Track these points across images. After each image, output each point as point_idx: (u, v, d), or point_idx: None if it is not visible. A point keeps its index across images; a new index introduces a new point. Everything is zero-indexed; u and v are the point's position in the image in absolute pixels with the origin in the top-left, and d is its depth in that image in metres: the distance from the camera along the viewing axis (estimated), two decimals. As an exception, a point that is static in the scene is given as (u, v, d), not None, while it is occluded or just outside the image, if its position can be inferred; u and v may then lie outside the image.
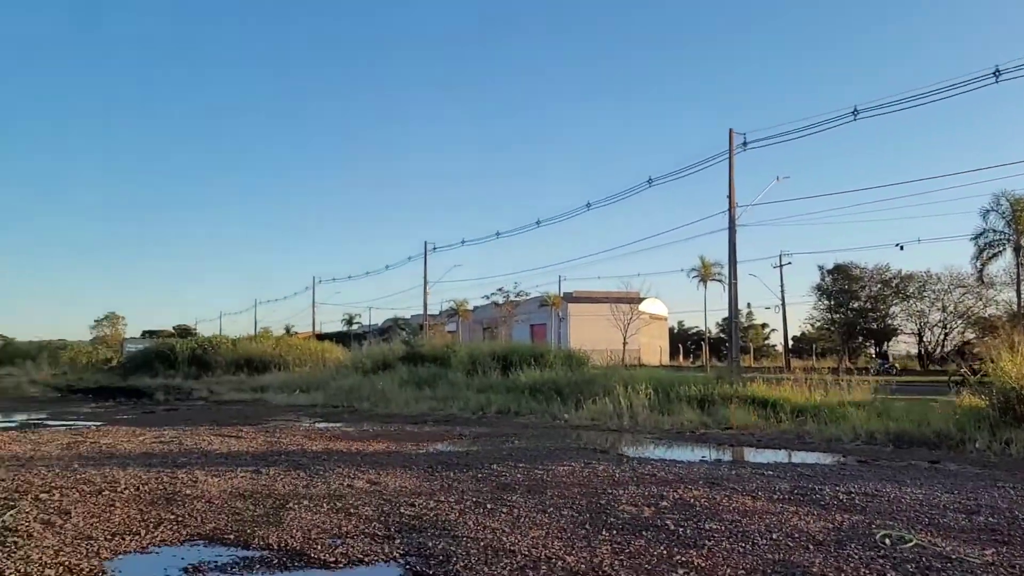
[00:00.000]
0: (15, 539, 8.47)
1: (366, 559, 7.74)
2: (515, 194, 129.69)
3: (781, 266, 65.14)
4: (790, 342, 69.58)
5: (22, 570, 7.29)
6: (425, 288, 51.96)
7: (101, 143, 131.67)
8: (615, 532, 8.66)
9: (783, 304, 66.20)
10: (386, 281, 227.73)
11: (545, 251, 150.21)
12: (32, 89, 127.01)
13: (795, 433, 18.55)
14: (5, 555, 7.79)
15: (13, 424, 23.86)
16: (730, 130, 34.59)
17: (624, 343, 50.94)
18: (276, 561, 7.75)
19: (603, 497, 10.73)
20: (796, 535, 8.43)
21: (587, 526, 8.97)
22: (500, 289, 56.80)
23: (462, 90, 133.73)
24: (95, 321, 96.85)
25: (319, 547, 8.17)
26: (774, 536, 8.36)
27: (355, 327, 74.01)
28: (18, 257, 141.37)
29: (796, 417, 19.76)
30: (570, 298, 68.59)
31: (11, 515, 9.66)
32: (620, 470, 13.09)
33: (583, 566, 7.27)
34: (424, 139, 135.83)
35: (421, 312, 57.59)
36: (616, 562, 7.40)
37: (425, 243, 52.32)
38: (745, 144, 34.62)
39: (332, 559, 7.73)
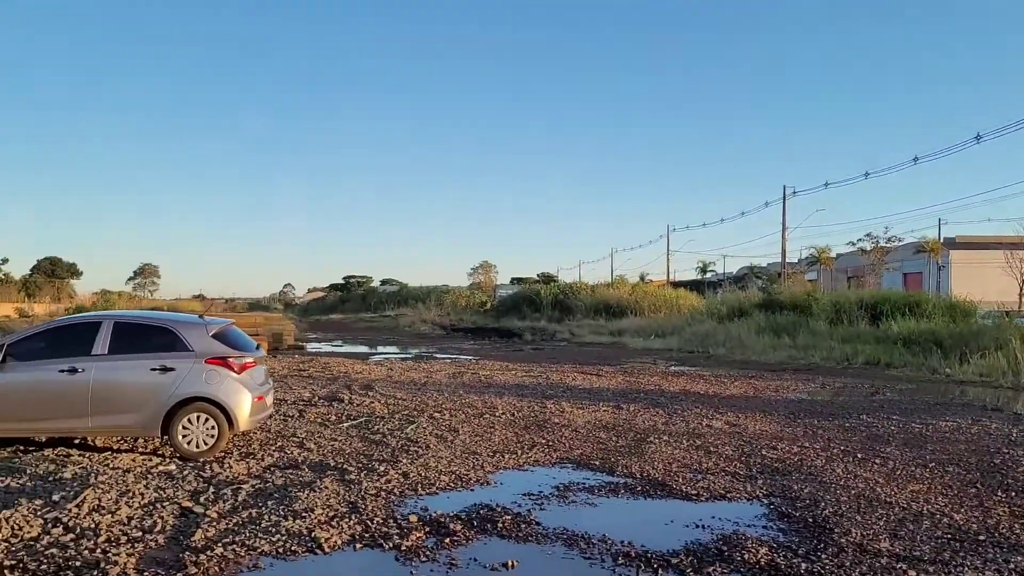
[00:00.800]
0: (416, 448, 9.74)
1: (728, 495, 7.70)
2: (888, 132, 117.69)
3: None
4: None
5: (422, 474, 8.36)
6: (783, 234, 49.49)
7: (470, 118, 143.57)
8: (1014, 494, 7.65)
9: None
10: (742, 228, 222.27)
11: (922, 192, 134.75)
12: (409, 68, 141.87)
13: None
14: (409, 461, 8.99)
15: (410, 356, 27.40)
16: None
17: (1021, 294, 44.45)
18: (639, 488, 8.01)
19: (997, 456, 9.52)
20: None
21: (978, 485, 8.04)
22: (868, 235, 52.15)
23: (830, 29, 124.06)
24: (471, 269, 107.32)
25: (680, 480, 8.29)
26: None
27: (709, 275, 73.04)
28: (409, 215, 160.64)
29: None
30: (952, 244, 61.21)
31: (412, 428, 11.12)
32: (1018, 430, 11.51)
33: (975, 525, 6.53)
34: (785, 72, 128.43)
35: (778, 260, 55.27)
36: (1017, 525, 6.53)
37: (784, 187, 49.48)
38: None
39: (694, 492, 7.79)
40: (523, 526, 6.56)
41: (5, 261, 73.95)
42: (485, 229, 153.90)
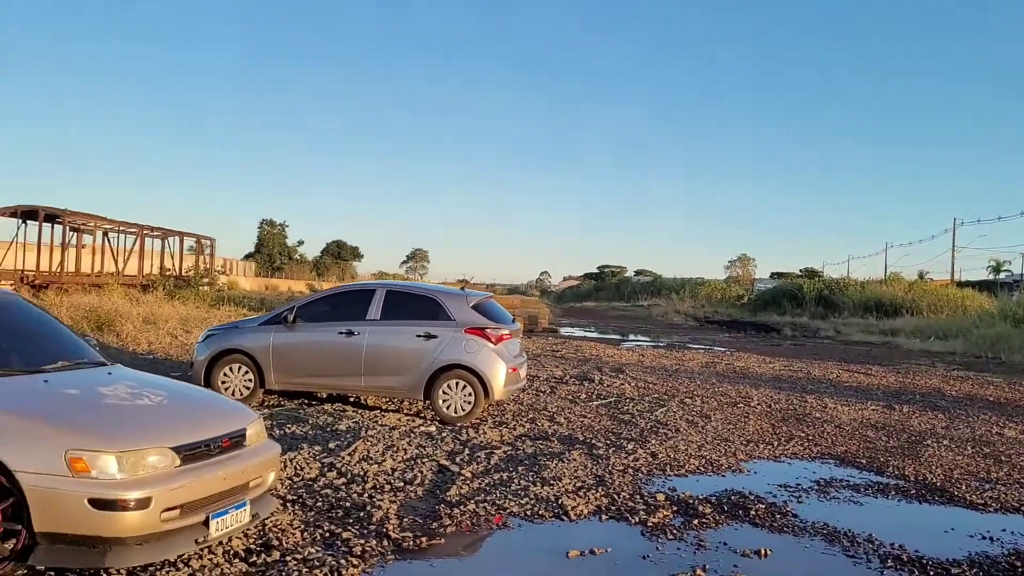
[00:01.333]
0: (665, 431, 9.54)
1: (1022, 508, 6.74)
2: None
3: None
4: None
5: (671, 456, 8.16)
6: (1099, 229, 42.96)
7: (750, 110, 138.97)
8: None
9: None
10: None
11: None
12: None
13: None
14: (658, 442, 8.82)
15: (662, 344, 27.06)
16: None
17: None
18: (913, 492, 7.26)
19: None
20: None
21: None
22: None
23: None
24: (728, 262, 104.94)
25: (963, 487, 7.41)
26: None
27: (1002, 275, 65.21)
28: (664, 207, 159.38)
29: None
30: None
31: (662, 412, 10.92)
32: None
33: None
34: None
35: (1092, 258, 48.00)
36: None
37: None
38: None
39: (980, 501, 6.92)
40: (778, 516, 6.17)
41: (301, 243, 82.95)
42: (744, 222, 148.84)
